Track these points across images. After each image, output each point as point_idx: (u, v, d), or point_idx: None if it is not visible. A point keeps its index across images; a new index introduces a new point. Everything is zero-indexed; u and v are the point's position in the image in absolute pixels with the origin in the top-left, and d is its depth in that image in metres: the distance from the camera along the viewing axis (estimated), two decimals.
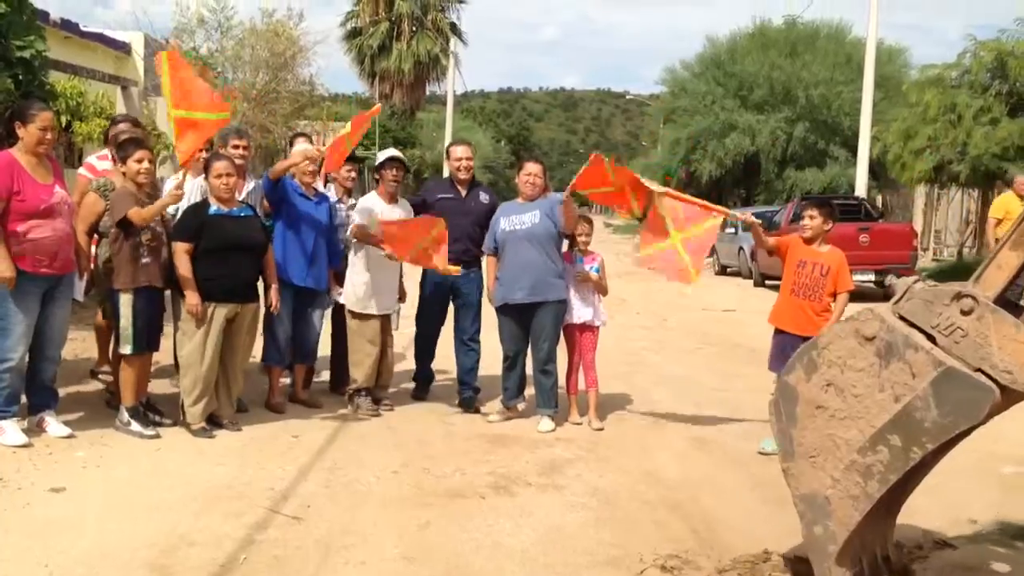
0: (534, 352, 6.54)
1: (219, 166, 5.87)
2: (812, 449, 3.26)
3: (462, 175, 6.87)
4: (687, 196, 6.13)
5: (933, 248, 23.05)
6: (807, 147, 26.33)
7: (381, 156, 6.81)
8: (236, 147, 6.52)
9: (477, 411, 6.76)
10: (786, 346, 6.01)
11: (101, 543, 4.02)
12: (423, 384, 7.18)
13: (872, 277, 15.05)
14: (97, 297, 6.06)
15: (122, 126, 6.45)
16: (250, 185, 6.53)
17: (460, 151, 6.97)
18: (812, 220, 6.00)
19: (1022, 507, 4.91)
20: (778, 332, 6.08)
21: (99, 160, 6.39)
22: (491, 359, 6.95)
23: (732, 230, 21.60)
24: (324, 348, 7.17)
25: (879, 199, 24.71)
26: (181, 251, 5.72)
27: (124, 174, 5.69)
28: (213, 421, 5.88)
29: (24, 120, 5.28)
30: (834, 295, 5.97)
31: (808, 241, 6.01)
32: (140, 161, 5.64)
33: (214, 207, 5.88)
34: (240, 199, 6.15)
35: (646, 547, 4.22)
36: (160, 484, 4.84)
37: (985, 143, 14.29)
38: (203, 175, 6.11)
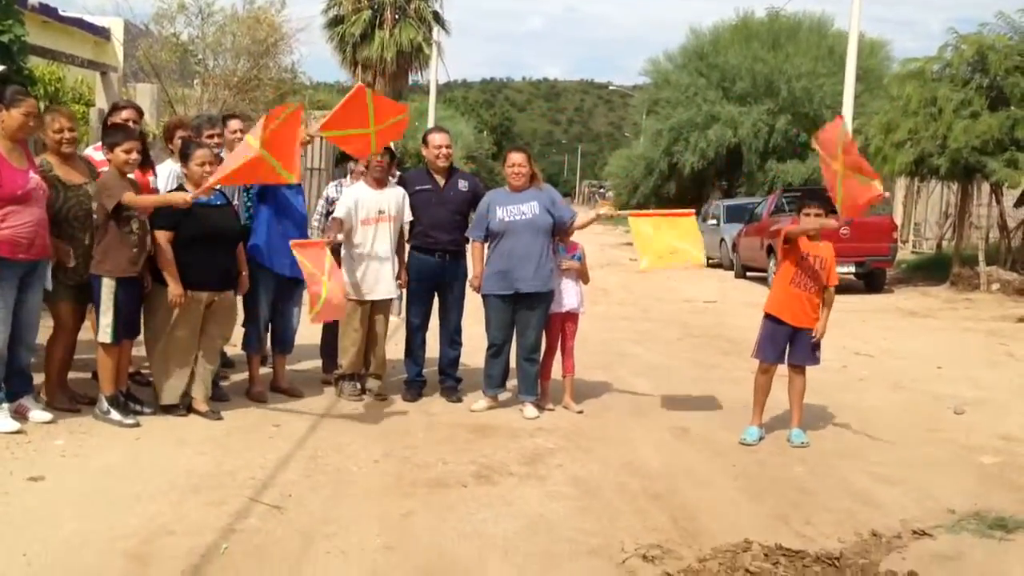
0: (521, 340, 6.54)
1: (201, 154, 5.81)
2: None
3: (440, 163, 6.72)
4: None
5: (912, 240, 23.20)
6: (789, 139, 26.40)
7: None
8: (211, 136, 6.45)
9: (459, 401, 6.75)
10: (778, 335, 6.04)
11: (80, 532, 3.99)
12: (415, 388, 6.85)
13: (853, 269, 15.18)
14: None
15: (125, 114, 6.34)
16: None
17: (438, 139, 6.77)
18: (818, 216, 5.91)
19: (1000, 497, 4.96)
20: (770, 321, 6.06)
21: (96, 151, 6.29)
22: (472, 349, 6.94)
23: (714, 222, 21.66)
24: (307, 337, 7.16)
25: None
26: (164, 239, 5.66)
27: (110, 160, 5.63)
28: (190, 410, 5.89)
29: (9, 104, 5.22)
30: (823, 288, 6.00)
31: (810, 235, 6.01)
32: (129, 152, 5.56)
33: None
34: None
35: (628, 537, 4.24)
36: (140, 473, 4.80)
37: (965, 136, 14.32)
38: (179, 162, 6.04)
